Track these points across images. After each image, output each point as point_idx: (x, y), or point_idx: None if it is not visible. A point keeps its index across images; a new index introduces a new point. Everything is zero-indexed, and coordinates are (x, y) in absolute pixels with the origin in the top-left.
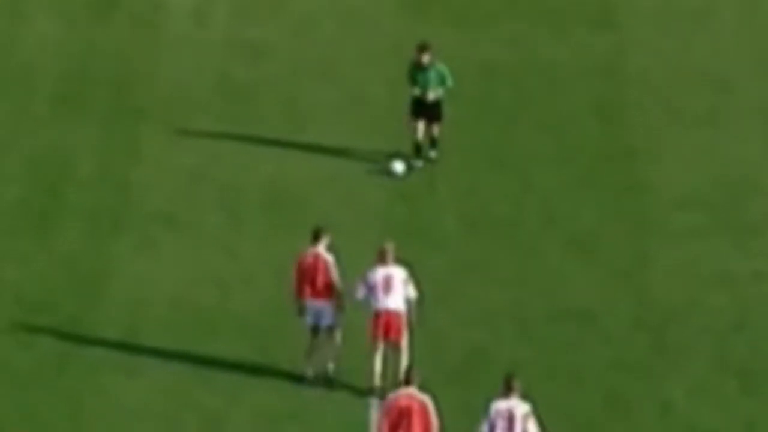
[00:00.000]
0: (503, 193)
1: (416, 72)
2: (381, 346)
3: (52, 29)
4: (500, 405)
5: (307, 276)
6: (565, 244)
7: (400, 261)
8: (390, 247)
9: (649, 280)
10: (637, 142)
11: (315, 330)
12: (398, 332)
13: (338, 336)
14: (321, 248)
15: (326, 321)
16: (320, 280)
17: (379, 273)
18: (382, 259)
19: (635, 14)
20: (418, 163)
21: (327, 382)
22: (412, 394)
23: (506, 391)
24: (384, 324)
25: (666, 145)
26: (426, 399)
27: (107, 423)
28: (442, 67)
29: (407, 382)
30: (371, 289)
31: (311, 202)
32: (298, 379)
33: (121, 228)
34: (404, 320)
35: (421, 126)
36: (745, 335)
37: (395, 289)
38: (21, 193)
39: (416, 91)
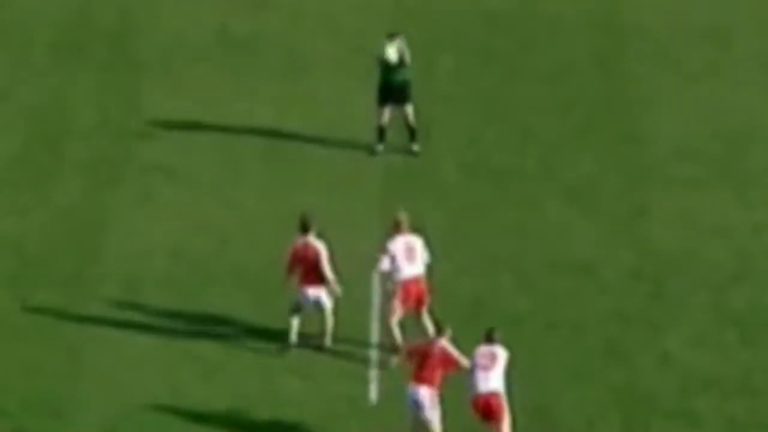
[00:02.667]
0: (503, 143)
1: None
2: (400, 313)
3: None
4: (483, 348)
5: (300, 266)
6: (564, 195)
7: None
8: (404, 217)
9: (648, 230)
10: (636, 93)
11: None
12: (424, 299)
13: (330, 313)
14: (311, 237)
15: (320, 304)
16: (313, 270)
17: (399, 242)
18: (398, 229)
19: None
20: (380, 147)
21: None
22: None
23: (488, 341)
24: (415, 293)
25: (665, 96)
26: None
27: (106, 375)
28: (402, 44)
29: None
30: (393, 259)
31: (311, 152)
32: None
33: (120, 180)
34: (427, 287)
35: (387, 111)
36: (743, 286)
37: (417, 258)
38: (20, 145)
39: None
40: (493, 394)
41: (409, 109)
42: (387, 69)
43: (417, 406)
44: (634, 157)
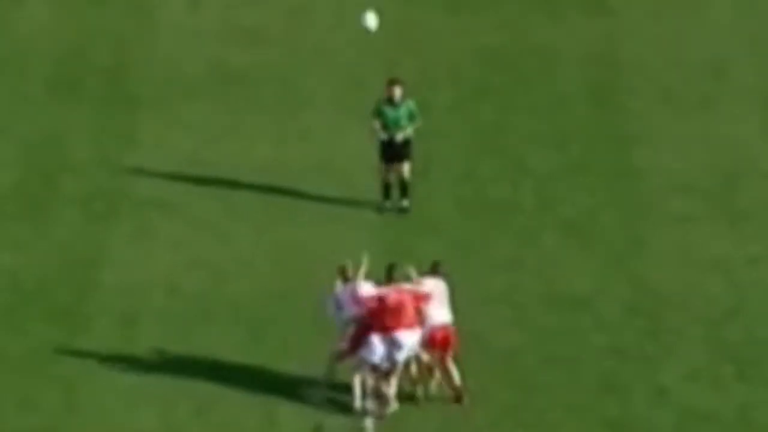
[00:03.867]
0: (498, 177)
1: (385, 109)
2: None
3: (46, 13)
4: (430, 281)
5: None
6: (560, 229)
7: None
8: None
9: (644, 265)
10: (631, 127)
11: None
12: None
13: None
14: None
15: None
16: None
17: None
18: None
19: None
20: (387, 204)
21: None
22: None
23: (434, 274)
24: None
25: (660, 130)
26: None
27: (101, 409)
28: (411, 103)
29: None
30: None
31: (307, 187)
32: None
33: (116, 214)
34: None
35: (389, 167)
36: (739, 320)
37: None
38: (16, 179)
39: (382, 135)
40: (448, 326)
41: (407, 166)
42: (388, 124)
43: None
44: (629, 192)
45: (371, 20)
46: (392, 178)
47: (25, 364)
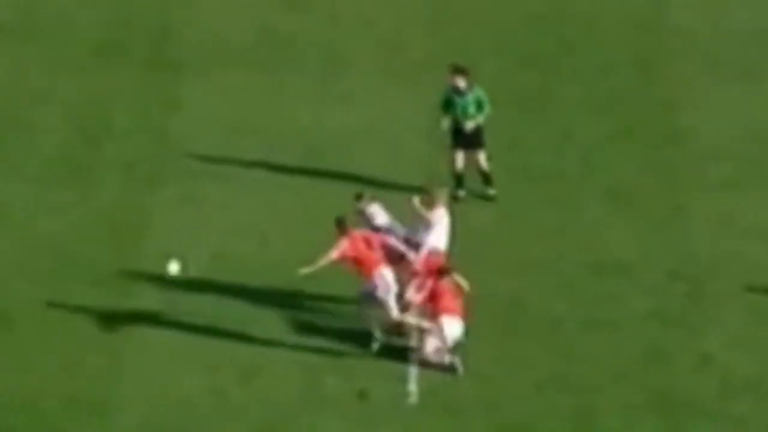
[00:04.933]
0: (543, 145)
1: (452, 98)
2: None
3: None
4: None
5: None
6: (603, 196)
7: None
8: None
9: (687, 231)
10: (675, 94)
11: None
12: None
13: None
14: None
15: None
16: None
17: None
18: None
19: None
20: (461, 193)
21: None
22: None
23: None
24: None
25: (704, 97)
26: None
27: (146, 374)
28: (480, 91)
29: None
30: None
31: (351, 151)
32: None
33: (160, 179)
34: None
35: (460, 155)
36: None
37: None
38: (60, 144)
39: (445, 124)
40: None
41: (481, 155)
42: (456, 114)
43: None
44: (672, 158)
45: (174, 267)
46: (461, 166)
47: (70, 329)
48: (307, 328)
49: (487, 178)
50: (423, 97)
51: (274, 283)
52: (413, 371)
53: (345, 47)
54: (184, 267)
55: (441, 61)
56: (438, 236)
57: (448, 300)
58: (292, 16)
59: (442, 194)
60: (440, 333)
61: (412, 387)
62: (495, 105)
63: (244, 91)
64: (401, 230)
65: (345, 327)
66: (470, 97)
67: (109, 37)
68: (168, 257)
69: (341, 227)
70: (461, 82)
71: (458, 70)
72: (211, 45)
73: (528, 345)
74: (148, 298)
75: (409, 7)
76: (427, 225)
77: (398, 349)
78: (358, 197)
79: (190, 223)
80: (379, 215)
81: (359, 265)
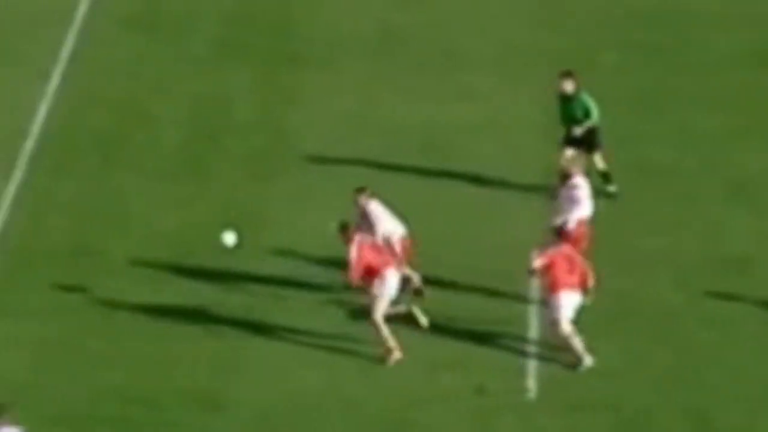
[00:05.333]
0: (662, 139)
1: (560, 103)
2: None
3: None
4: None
5: None
6: (723, 192)
7: None
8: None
9: None
10: None
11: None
12: None
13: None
14: None
15: None
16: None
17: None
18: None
19: None
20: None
21: None
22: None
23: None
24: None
25: None
26: None
27: (264, 367)
28: (586, 98)
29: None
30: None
31: (466, 146)
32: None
33: (278, 174)
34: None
35: (568, 153)
36: None
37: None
38: (181, 138)
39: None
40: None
41: (597, 157)
42: (563, 119)
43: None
44: None
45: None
46: (566, 163)
47: (189, 322)
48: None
49: (606, 177)
50: (539, 93)
51: None
52: (532, 366)
53: (462, 42)
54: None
55: (557, 57)
56: (586, 205)
57: (564, 273)
58: (409, 12)
59: (577, 165)
60: (557, 308)
61: (531, 382)
62: (612, 100)
63: (362, 86)
64: (398, 230)
65: (463, 321)
66: (576, 103)
67: (230, 31)
68: (283, 252)
69: (345, 232)
70: (568, 85)
71: (564, 74)
72: (330, 40)
73: (645, 341)
74: (264, 292)
75: (526, 2)
76: (571, 199)
77: (517, 343)
78: (359, 190)
79: (307, 217)
80: (377, 212)
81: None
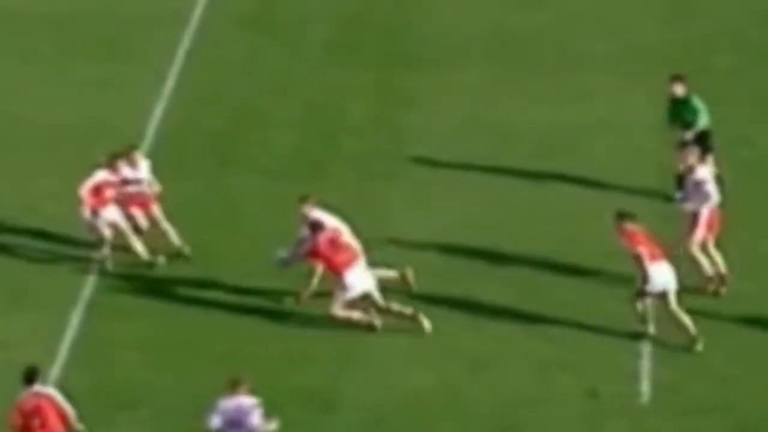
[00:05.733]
0: None
1: (670, 105)
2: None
3: None
4: None
5: None
6: None
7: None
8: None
9: None
10: None
11: None
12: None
13: None
14: None
15: None
16: None
17: None
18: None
19: None
20: (678, 195)
21: None
22: None
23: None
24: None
25: None
26: None
27: (377, 367)
28: (696, 101)
29: None
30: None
31: (582, 147)
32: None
33: (393, 174)
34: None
35: (687, 154)
36: None
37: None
38: (297, 139)
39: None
40: None
41: (709, 161)
42: (674, 123)
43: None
44: None
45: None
46: (683, 168)
47: (298, 321)
48: (536, 322)
49: (719, 180)
50: (656, 94)
51: (504, 276)
52: (645, 369)
53: (578, 43)
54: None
55: (675, 58)
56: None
57: (651, 246)
58: (525, 13)
59: (691, 156)
60: (649, 282)
61: (644, 386)
62: (728, 100)
63: (477, 88)
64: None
65: (576, 322)
66: (685, 106)
67: (344, 33)
68: (396, 251)
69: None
70: (678, 89)
71: (674, 78)
72: (445, 42)
73: (762, 345)
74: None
75: (642, 2)
76: (696, 185)
77: (631, 346)
78: (303, 199)
79: (421, 219)
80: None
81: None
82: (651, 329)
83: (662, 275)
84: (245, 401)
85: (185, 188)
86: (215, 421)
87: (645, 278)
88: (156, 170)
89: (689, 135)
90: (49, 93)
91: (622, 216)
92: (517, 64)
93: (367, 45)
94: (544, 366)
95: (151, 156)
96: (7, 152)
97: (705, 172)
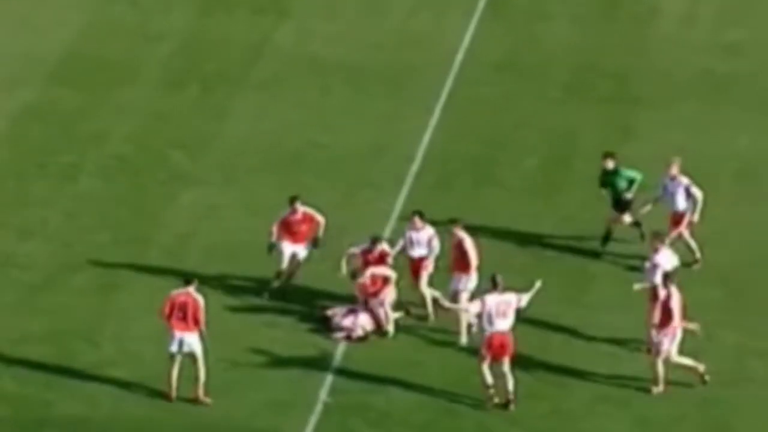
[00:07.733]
0: None
1: (605, 176)
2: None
3: (566, 28)
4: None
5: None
6: None
7: None
8: None
9: None
10: None
11: None
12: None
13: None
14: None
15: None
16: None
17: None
18: None
19: None
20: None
21: None
22: None
23: (493, 288)
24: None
25: None
26: None
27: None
28: (627, 172)
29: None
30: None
31: None
32: None
33: None
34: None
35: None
36: None
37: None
38: (537, 163)
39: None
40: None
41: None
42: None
43: None
44: None
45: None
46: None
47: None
48: (739, 327)
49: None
50: None
51: (713, 281)
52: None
53: None
54: None
55: None
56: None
57: None
58: (729, 59)
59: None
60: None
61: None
62: None
63: (689, 123)
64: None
65: (744, 333)
66: (617, 177)
67: (579, 76)
68: (621, 264)
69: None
70: (609, 164)
71: (606, 155)
72: (662, 84)
73: None
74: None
75: None
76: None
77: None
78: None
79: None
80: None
81: None
82: None
83: None
84: None
85: (447, 201)
86: None
87: None
88: (422, 187)
89: (627, 196)
90: (341, 123)
91: None
92: (722, 103)
93: (598, 86)
94: (740, 352)
95: (420, 175)
96: (303, 171)
97: None
